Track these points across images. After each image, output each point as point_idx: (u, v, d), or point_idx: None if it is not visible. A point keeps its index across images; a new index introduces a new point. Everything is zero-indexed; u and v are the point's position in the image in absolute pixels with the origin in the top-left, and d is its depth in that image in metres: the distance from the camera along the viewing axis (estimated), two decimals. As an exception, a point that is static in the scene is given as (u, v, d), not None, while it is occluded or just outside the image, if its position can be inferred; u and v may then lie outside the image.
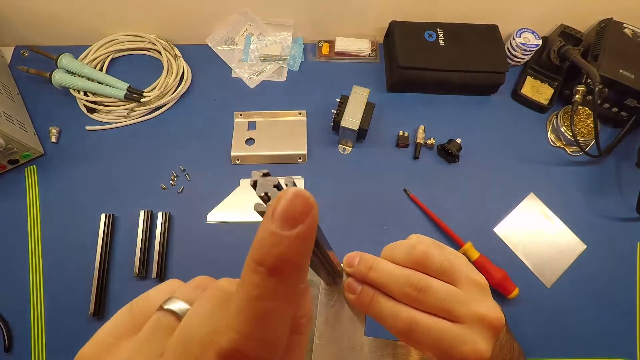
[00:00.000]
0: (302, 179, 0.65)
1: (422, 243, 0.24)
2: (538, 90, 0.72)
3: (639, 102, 0.65)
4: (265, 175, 0.12)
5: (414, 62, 0.67)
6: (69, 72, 0.67)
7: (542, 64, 0.72)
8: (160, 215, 0.61)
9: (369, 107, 0.62)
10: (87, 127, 0.67)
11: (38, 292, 0.57)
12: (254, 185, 0.12)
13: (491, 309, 0.22)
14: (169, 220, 0.61)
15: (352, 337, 0.24)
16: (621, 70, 0.64)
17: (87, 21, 0.69)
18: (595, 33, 0.70)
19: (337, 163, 0.67)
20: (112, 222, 0.60)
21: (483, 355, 0.21)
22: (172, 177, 0.64)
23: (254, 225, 0.62)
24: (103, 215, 0.60)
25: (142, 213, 0.60)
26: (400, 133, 0.67)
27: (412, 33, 0.70)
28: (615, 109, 0.68)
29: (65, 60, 0.66)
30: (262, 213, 0.12)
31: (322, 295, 0.25)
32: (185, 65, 0.71)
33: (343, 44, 0.74)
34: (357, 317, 0.25)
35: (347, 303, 0.25)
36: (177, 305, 0.16)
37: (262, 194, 0.12)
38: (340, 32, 0.74)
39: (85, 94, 0.68)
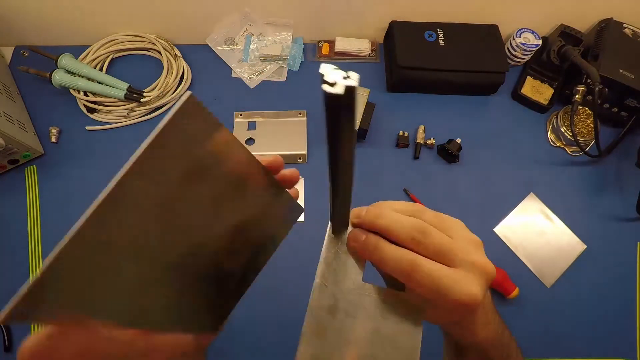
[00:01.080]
0: (302, 179, 0.65)
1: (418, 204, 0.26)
2: (538, 90, 0.72)
3: (639, 102, 0.65)
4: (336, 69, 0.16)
5: (414, 62, 0.67)
6: (69, 72, 0.67)
7: (542, 64, 0.72)
8: (160, 215, 0.60)
9: (369, 107, 0.62)
10: (87, 127, 0.67)
11: (38, 292, 0.57)
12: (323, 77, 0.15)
13: (484, 259, 0.24)
14: (169, 220, 0.61)
15: (350, 280, 0.27)
16: (621, 70, 0.64)
17: (87, 21, 0.69)
18: (595, 33, 0.70)
19: (337, 163, 0.66)
20: (112, 222, 0.60)
21: (476, 299, 0.23)
22: (172, 177, 0.64)
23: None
24: (103, 215, 0.60)
25: (142, 213, 0.60)
26: (400, 133, 0.67)
27: (412, 33, 0.70)
28: (615, 109, 0.68)
29: (65, 60, 0.66)
30: (328, 94, 0.15)
31: (326, 241, 0.28)
32: (185, 65, 0.71)
33: (343, 44, 0.74)
34: (357, 265, 0.27)
35: (349, 251, 0.27)
36: None
37: (332, 81, 0.15)
38: (340, 32, 0.74)
39: (85, 94, 0.68)
